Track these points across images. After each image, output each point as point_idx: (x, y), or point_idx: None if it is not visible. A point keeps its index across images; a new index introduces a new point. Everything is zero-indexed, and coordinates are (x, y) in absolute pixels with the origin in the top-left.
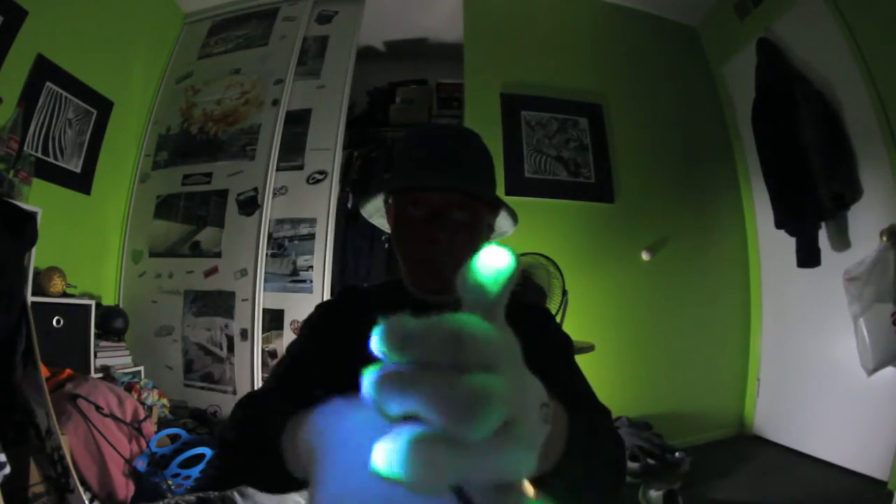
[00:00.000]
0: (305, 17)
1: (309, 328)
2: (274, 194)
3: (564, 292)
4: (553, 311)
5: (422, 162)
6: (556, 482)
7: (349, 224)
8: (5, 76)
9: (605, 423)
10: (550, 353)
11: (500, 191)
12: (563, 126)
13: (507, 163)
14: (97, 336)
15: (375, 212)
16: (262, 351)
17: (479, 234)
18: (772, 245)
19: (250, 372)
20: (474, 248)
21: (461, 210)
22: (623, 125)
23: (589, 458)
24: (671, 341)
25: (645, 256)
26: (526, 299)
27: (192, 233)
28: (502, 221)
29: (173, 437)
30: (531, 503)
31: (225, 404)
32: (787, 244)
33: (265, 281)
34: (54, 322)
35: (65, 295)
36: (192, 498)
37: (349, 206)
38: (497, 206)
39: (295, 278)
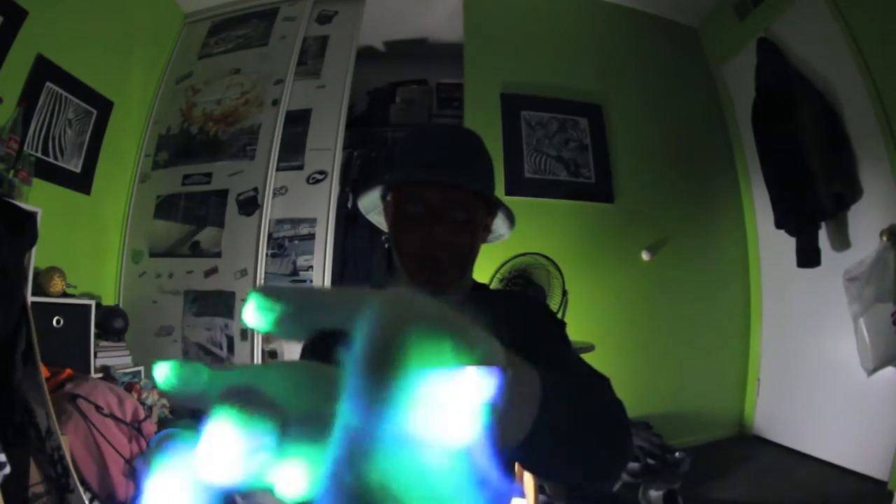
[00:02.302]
0: (305, 17)
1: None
2: (274, 194)
3: (564, 292)
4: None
5: (421, 159)
6: (537, 456)
7: (349, 224)
8: (5, 76)
9: (597, 389)
10: (541, 335)
11: (500, 191)
12: (563, 126)
13: (507, 163)
14: (97, 336)
15: (373, 208)
16: (263, 351)
17: (477, 234)
18: (772, 245)
19: None
20: (471, 246)
21: (459, 208)
22: (623, 125)
23: (575, 428)
24: (671, 341)
25: (645, 256)
26: (525, 293)
27: (192, 233)
28: (499, 224)
29: None
30: None
31: None
32: (787, 244)
33: (265, 281)
34: (54, 322)
35: (65, 295)
36: None
37: (349, 206)
38: (495, 207)
39: (295, 278)
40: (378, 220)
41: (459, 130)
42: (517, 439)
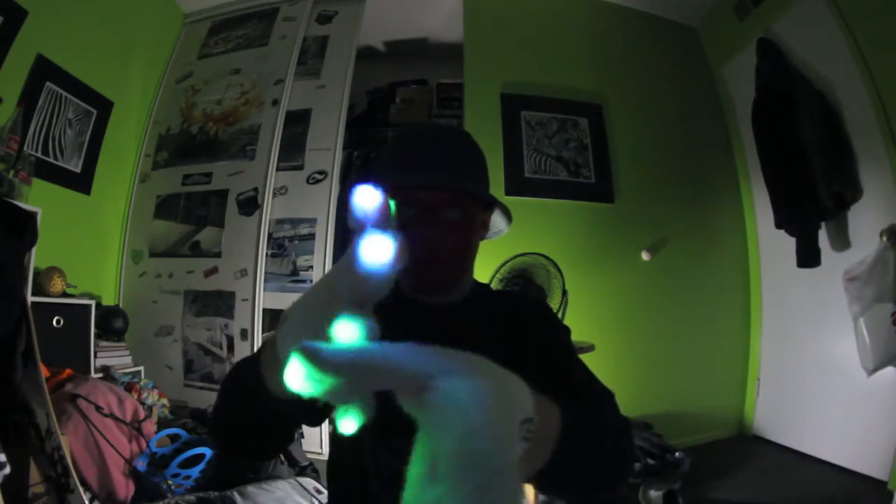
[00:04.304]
0: (305, 17)
1: None
2: (274, 194)
3: (564, 292)
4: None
5: (411, 161)
6: (549, 480)
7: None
8: (5, 76)
9: (607, 414)
10: (548, 348)
11: (500, 191)
12: (563, 126)
13: (507, 163)
14: (97, 336)
15: None
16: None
17: (473, 233)
18: (772, 245)
19: None
20: (468, 246)
21: (453, 208)
22: (623, 125)
23: (585, 457)
24: (671, 341)
25: (645, 256)
26: (527, 295)
27: (192, 233)
28: (497, 219)
29: (173, 437)
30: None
31: None
32: (787, 244)
33: (265, 281)
34: (54, 322)
35: (65, 295)
36: (192, 498)
37: None
38: (491, 203)
39: (295, 278)
40: None
41: (447, 129)
42: (537, 468)
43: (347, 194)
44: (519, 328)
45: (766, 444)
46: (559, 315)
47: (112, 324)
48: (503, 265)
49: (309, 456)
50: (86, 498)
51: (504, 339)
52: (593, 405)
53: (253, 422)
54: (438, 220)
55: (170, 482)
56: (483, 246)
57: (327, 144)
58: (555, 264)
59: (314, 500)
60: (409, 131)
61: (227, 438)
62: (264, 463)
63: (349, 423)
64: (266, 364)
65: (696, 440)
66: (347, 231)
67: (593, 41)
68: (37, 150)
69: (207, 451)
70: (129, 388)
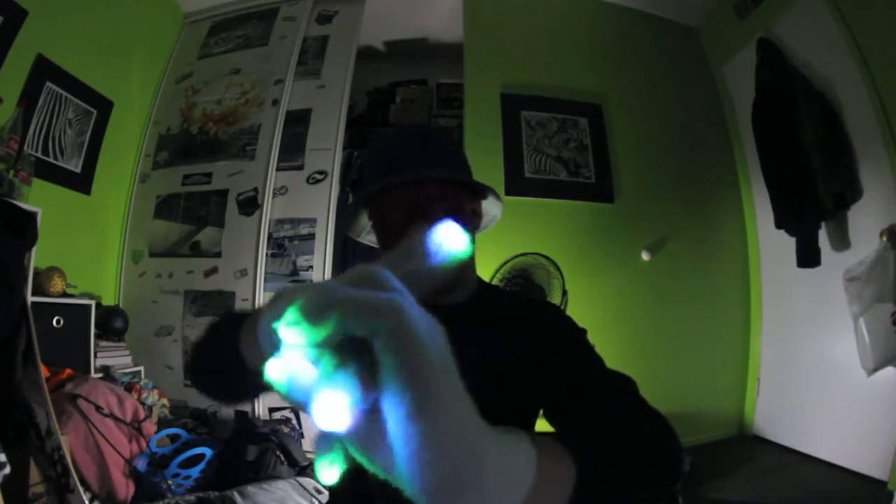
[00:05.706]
0: (305, 17)
1: None
2: (274, 194)
3: (564, 292)
4: None
5: (385, 167)
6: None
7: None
8: (5, 76)
9: (628, 427)
10: (562, 347)
11: (500, 191)
12: (563, 126)
13: (507, 163)
14: (97, 336)
15: (363, 229)
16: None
17: (465, 222)
18: (772, 245)
19: None
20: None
21: (438, 201)
22: (623, 125)
23: (616, 480)
24: (671, 341)
25: (645, 256)
26: (533, 295)
27: (192, 233)
28: (488, 205)
29: (173, 437)
30: None
31: None
32: (787, 244)
33: (265, 281)
34: (54, 322)
35: (65, 295)
36: (192, 498)
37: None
38: (478, 190)
39: (295, 278)
40: (371, 239)
41: (418, 128)
42: None
43: (346, 196)
44: (532, 332)
45: (766, 444)
46: None
47: (112, 324)
48: (503, 265)
49: (309, 456)
50: (86, 498)
51: (514, 342)
52: (618, 415)
53: (227, 376)
54: (426, 216)
55: (170, 482)
56: (483, 246)
57: (327, 144)
58: (555, 264)
59: (314, 500)
60: (376, 142)
61: (201, 380)
62: (264, 461)
63: (330, 471)
64: (245, 341)
65: (696, 440)
66: (347, 233)
67: (593, 41)
68: (37, 150)
69: (207, 451)
70: (129, 388)
